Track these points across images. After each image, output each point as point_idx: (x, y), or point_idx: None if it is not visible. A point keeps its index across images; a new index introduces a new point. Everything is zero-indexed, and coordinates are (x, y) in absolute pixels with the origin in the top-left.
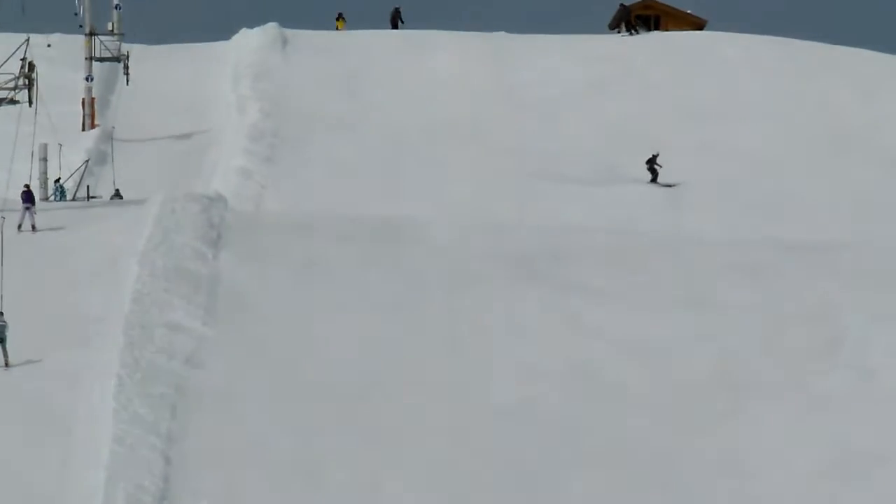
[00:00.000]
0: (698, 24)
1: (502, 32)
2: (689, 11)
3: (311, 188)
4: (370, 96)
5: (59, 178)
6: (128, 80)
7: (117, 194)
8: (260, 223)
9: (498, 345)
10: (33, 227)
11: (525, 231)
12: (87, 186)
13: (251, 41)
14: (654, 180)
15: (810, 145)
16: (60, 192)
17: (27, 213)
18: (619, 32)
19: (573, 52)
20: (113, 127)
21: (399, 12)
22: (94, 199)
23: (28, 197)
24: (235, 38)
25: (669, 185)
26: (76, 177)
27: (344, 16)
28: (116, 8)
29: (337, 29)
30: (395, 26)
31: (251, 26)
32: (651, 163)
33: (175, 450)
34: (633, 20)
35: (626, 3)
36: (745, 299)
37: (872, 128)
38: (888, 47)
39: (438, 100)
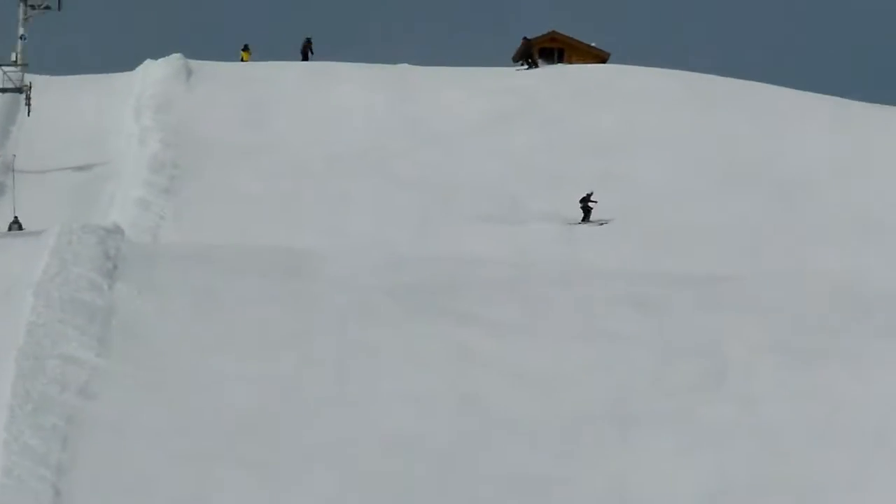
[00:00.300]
0: (601, 58)
1: (405, 65)
2: (592, 45)
3: (212, 219)
4: (274, 127)
5: None
6: (29, 111)
7: (16, 223)
8: (157, 254)
9: (392, 377)
10: None
11: (422, 263)
12: None
13: (155, 72)
14: (586, 218)
15: (708, 178)
16: None
17: None
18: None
19: (477, 85)
20: (14, 155)
21: (310, 43)
22: None
23: None
24: (140, 68)
25: (602, 223)
26: None
27: (249, 47)
28: (21, 38)
29: (242, 60)
30: (305, 57)
31: (156, 57)
32: (585, 201)
33: (65, 481)
34: (533, 54)
35: (529, 37)
36: (636, 331)
37: (769, 161)
38: (785, 81)
39: (342, 131)
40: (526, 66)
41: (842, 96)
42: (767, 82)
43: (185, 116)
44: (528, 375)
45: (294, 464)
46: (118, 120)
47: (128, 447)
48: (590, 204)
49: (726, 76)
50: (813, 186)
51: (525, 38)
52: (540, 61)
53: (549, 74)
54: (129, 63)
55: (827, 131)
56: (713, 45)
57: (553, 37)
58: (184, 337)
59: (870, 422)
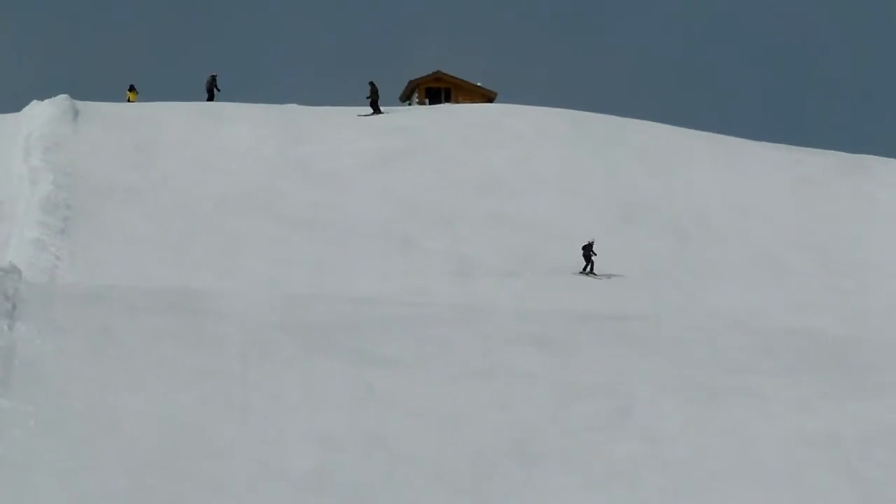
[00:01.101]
0: (488, 97)
1: (293, 104)
2: (479, 84)
3: (106, 259)
4: (163, 168)
5: None
6: None
7: None
8: (55, 295)
9: (294, 416)
10: None
11: (319, 302)
12: None
13: (42, 113)
14: (588, 268)
15: (601, 216)
16: None
17: None
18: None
19: (364, 125)
20: None
21: (215, 80)
22: None
23: None
24: (26, 109)
25: (598, 276)
26: None
27: (136, 87)
28: None
29: (129, 100)
30: (211, 95)
31: (41, 98)
32: (587, 250)
33: None
34: (376, 99)
35: (374, 81)
36: (537, 369)
37: (661, 199)
38: (676, 121)
39: (231, 171)
40: (370, 113)
41: (723, 133)
42: (655, 121)
43: (74, 157)
44: (430, 414)
45: (201, 502)
46: (6, 160)
47: (34, 487)
48: (591, 253)
49: (614, 115)
50: (707, 224)
51: (371, 83)
52: (383, 107)
53: (437, 113)
54: (13, 104)
55: (713, 168)
56: (600, 85)
57: (438, 76)
58: (85, 376)
59: (777, 458)
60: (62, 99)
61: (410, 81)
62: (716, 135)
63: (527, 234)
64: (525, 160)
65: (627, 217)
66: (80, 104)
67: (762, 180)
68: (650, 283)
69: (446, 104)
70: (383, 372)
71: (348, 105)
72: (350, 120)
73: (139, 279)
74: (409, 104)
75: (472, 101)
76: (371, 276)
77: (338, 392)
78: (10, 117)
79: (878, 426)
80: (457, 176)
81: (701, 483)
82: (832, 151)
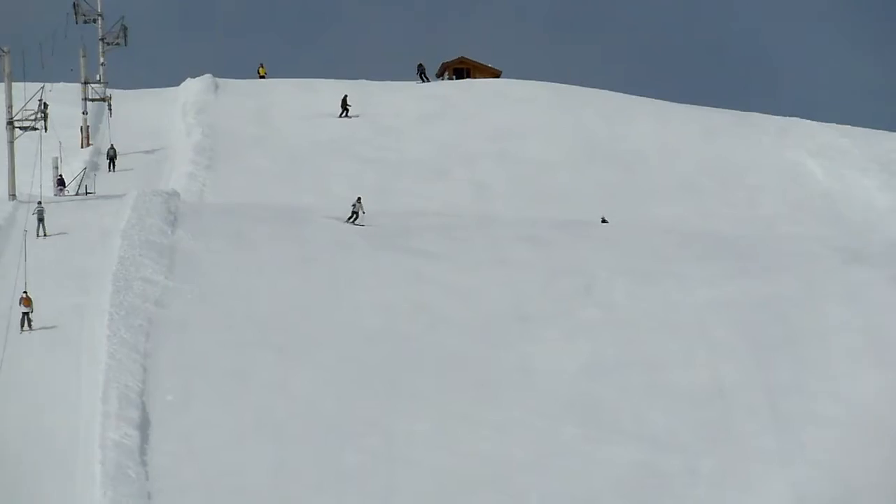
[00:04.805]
0: (496, 74)
1: (364, 80)
2: (489, 65)
3: (238, 186)
4: (276, 124)
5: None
6: (111, 114)
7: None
8: (202, 210)
9: (365, 291)
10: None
11: (382, 215)
12: (85, 185)
13: (194, 86)
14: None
15: (571, 155)
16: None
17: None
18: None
19: (411, 94)
20: (112, 145)
21: (423, 67)
22: (89, 194)
23: (61, 181)
24: (183, 84)
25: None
26: (77, 179)
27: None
28: (102, 65)
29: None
30: (424, 78)
31: (193, 76)
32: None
33: (149, 362)
34: (424, 72)
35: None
36: (528, 259)
37: (614, 142)
38: (618, 88)
39: (322, 126)
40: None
41: (656, 98)
42: (607, 89)
43: (215, 117)
44: (457, 289)
45: (304, 348)
46: (170, 119)
47: (190, 339)
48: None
49: (581, 86)
50: (645, 161)
51: (419, 64)
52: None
53: (461, 86)
54: (174, 80)
55: (649, 121)
56: (576, 61)
57: (462, 60)
58: (224, 265)
59: (691, 318)
60: (207, 77)
61: (443, 63)
62: (647, 99)
63: (523, 167)
64: (521, 116)
65: (590, 155)
66: (220, 80)
67: (680, 128)
68: (606, 201)
69: (467, 79)
70: (426, 261)
71: (402, 80)
72: (402, 90)
73: (259, 199)
74: (442, 79)
75: (485, 76)
76: (418, 197)
77: (395, 275)
78: (172, 90)
79: (760, 296)
80: (475, 128)
81: (639, 336)
82: (727, 109)
